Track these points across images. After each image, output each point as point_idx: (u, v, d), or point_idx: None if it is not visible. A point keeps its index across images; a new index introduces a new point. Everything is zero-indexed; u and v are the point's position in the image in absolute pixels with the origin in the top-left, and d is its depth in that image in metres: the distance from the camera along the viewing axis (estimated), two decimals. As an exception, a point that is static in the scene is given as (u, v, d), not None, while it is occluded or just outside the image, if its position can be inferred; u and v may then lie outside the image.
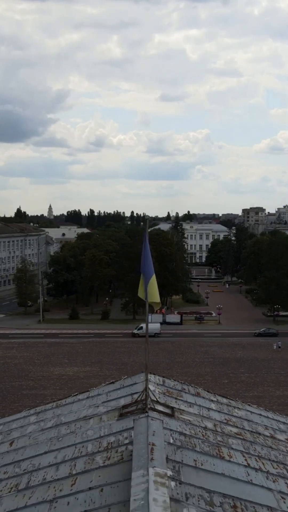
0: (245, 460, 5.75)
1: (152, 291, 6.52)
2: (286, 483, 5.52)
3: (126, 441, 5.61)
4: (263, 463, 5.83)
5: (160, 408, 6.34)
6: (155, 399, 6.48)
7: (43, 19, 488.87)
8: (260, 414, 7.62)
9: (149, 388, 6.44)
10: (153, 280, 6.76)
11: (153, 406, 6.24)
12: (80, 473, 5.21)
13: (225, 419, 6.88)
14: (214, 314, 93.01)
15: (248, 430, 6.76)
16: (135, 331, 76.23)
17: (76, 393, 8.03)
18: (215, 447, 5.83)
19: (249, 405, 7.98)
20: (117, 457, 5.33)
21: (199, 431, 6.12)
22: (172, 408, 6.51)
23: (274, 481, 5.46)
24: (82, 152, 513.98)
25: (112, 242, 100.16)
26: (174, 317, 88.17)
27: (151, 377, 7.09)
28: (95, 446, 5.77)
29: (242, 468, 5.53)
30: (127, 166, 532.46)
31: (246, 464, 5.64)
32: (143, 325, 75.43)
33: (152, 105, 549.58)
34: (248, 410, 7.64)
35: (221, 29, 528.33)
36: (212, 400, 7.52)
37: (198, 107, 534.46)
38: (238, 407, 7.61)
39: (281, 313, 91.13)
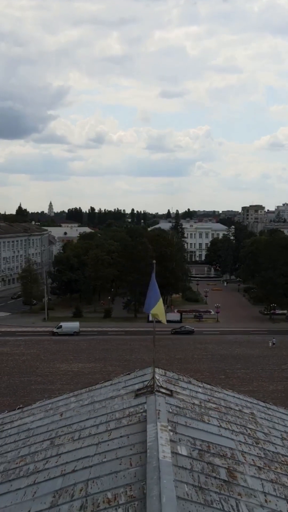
0: (219, 423, 8.84)
1: (160, 311, 9.43)
2: (244, 437, 8.60)
3: (141, 410, 8.68)
4: (230, 425, 8.92)
5: (163, 390, 9.39)
6: (160, 385, 9.53)
7: (43, 15, 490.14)
8: (233, 396, 10.73)
9: (155, 377, 9.51)
10: (160, 303, 9.63)
11: (158, 389, 9.28)
12: (113, 429, 8.28)
13: (208, 398, 9.98)
14: (212, 313, 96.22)
15: (223, 406, 9.86)
16: (55, 330, 79.99)
17: (103, 381, 11.13)
18: (199, 415, 8.92)
19: (226, 390, 11.09)
20: (136, 420, 8.39)
21: (189, 405, 9.20)
22: (171, 391, 9.57)
23: (236, 435, 8.55)
24: (82, 148, 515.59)
25: (114, 242, 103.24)
26: (174, 316, 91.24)
27: (156, 370, 10.11)
28: (120, 414, 8.84)
29: (216, 427, 8.61)
30: (127, 163, 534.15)
31: (219, 425, 8.72)
32: (62, 324, 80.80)
33: (152, 101, 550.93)
34: (225, 393, 10.74)
35: (221, 25, 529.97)
36: (199, 386, 10.62)
37: (198, 104, 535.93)
38: (218, 391, 10.72)
39: (277, 311, 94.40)
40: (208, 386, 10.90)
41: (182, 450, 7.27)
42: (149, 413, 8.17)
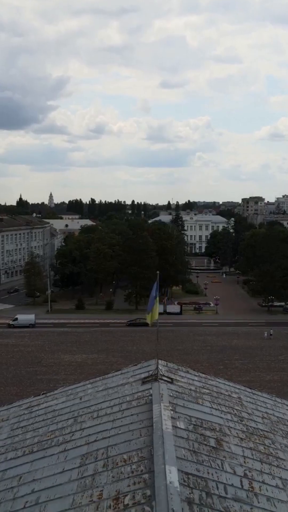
0: (210, 405, 10.82)
1: (155, 312, 11.46)
2: (231, 416, 10.59)
3: (147, 394, 10.65)
4: (220, 407, 10.91)
5: (165, 378, 11.36)
6: (162, 374, 11.49)
7: (42, 5, 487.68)
8: (224, 383, 12.73)
9: (158, 368, 11.49)
10: (156, 303, 11.60)
11: (161, 378, 11.25)
12: (125, 409, 10.26)
13: (202, 385, 11.97)
14: (212, 305, 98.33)
15: (215, 391, 11.86)
16: (11, 322, 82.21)
17: (114, 371, 13.13)
18: (194, 398, 10.91)
19: (218, 378, 13.10)
20: (143, 402, 10.37)
21: (186, 390, 11.19)
22: (172, 379, 11.54)
23: (224, 414, 10.53)
24: (82, 139, 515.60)
25: (115, 236, 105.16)
26: (174, 308, 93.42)
27: (159, 361, 12.07)
28: (130, 397, 10.82)
29: (208, 408, 10.60)
30: (128, 153, 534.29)
31: (211, 406, 10.71)
32: (18, 316, 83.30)
33: (152, 91, 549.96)
34: (217, 381, 12.75)
35: (221, 15, 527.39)
36: (195, 375, 12.62)
37: (199, 94, 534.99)
38: (211, 379, 12.72)
39: (275, 303, 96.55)
40: (203, 375, 12.89)
41: (181, 425, 9.25)
42: (154, 396, 10.15)
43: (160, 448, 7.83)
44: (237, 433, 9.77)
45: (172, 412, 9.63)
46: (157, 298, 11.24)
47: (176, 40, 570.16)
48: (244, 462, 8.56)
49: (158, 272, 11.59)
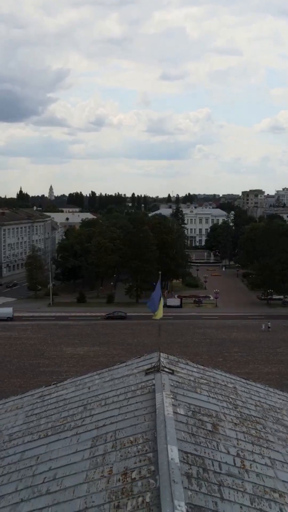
0: (208, 394, 11.87)
1: (160, 311, 12.50)
2: (226, 403, 11.65)
3: (150, 384, 11.69)
4: (216, 395, 11.96)
5: (166, 369, 12.41)
6: (164, 366, 12.53)
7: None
8: (221, 374, 13.79)
9: (160, 360, 12.54)
10: (161, 303, 12.65)
11: (162, 369, 12.29)
12: (130, 398, 11.31)
13: (200, 376, 13.02)
14: (211, 298, 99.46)
15: (212, 382, 12.91)
16: None
17: (119, 363, 14.19)
18: (193, 387, 11.96)
19: (215, 369, 14.16)
20: (147, 391, 11.41)
21: (186, 381, 12.24)
22: (172, 370, 12.58)
23: (220, 402, 11.58)
24: (82, 131, 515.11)
25: (116, 230, 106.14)
26: (174, 301, 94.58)
27: (161, 354, 13.11)
28: (135, 387, 11.87)
29: (205, 396, 11.64)
30: (128, 146, 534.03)
31: (208, 395, 11.76)
32: None
33: (152, 84, 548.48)
34: (214, 372, 13.80)
35: (222, 6, 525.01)
36: (194, 367, 13.67)
37: (199, 86, 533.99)
38: (209, 371, 13.77)
39: (274, 297, 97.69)
40: (201, 367, 13.93)
41: (181, 411, 10.29)
42: (156, 386, 11.20)
43: (162, 431, 8.87)
44: (231, 419, 10.81)
45: (173, 400, 10.66)
46: (161, 298, 12.24)
47: (176, 32, 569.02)
48: (237, 443, 9.61)
49: (160, 272, 12.55)
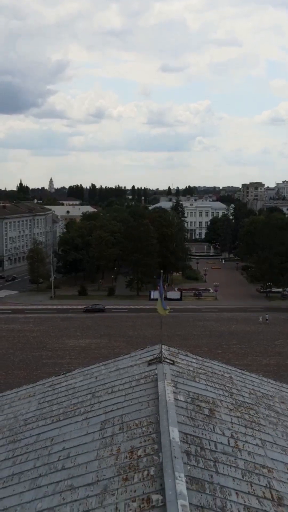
0: (206, 382, 12.94)
1: (160, 306, 13.55)
2: (222, 391, 12.73)
3: (153, 374, 12.77)
4: (214, 384, 13.03)
5: (168, 360, 13.47)
6: (165, 357, 13.59)
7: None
8: (218, 365, 14.87)
9: (162, 351, 13.60)
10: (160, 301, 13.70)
11: (164, 360, 13.35)
12: (135, 386, 12.38)
13: (199, 366, 14.10)
14: (211, 291, 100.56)
15: (210, 372, 13.99)
16: None
17: (123, 354, 15.27)
18: (192, 377, 13.03)
19: (213, 360, 15.24)
20: (150, 380, 12.48)
21: (185, 371, 13.31)
22: (173, 361, 13.65)
23: (217, 390, 12.66)
24: (82, 123, 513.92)
25: (116, 223, 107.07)
26: (174, 294, 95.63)
27: (163, 346, 14.17)
28: (139, 376, 12.94)
29: (203, 385, 12.72)
30: (128, 138, 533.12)
31: (206, 384, 12.83)
32: None
33: (152, 76, 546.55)
34: (212, 363, 14.88)
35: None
36: (193, 358, 14.75)
37: (199, 78, 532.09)
38: (206, 362, 14.84)
39: (273, 289, 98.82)
40: (200, 358, 15.00)
41: (181, 398, 11.36)
42: (159, 375, 12.27)
43: (164, 414, 9.93)
44: (227, 405, 11.88)
45: (174, 388, 11.72)
46: (162, 297, 13.30)
47: (176, 23, 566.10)
48: (232, 426, 10.69)
49: (161, 271, 13.58)
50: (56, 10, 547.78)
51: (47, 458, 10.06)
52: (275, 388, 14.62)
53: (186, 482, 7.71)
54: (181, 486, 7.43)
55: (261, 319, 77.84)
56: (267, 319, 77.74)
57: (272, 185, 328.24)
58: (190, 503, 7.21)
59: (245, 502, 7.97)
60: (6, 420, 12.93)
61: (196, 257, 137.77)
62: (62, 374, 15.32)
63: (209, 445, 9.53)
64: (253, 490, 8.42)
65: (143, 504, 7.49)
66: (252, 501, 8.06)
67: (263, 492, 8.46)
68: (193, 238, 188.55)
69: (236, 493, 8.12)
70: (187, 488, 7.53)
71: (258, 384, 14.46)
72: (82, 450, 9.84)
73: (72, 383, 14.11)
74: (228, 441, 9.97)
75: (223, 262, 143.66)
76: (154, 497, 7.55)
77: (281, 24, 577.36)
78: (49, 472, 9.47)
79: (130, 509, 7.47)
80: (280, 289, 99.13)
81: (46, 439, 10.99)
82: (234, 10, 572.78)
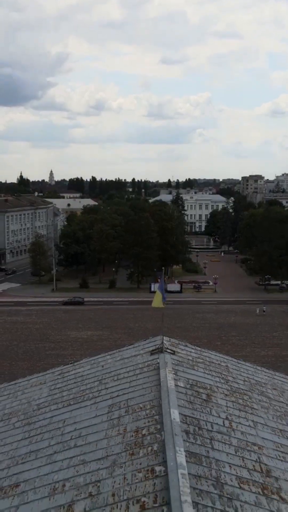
0: (204, 370, 14.06)
1: (158, 299, 14.66)
2: (219, 379, 13.85)
3: (155, 363, 13.88)
4: (211, 372, 14.16)
5: (169, 350, 14.58)
6: (166, 347, 14.70)
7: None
8: (215, 355, 15.99)
9: (163, 342, 14.71)
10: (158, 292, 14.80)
11: (165, 350, 14.45)
12: (139, 373, 13.50)
13: (197, 356, 15.22)
14: (211, 283, 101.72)
15: (207, 361, 15.11)
16: None
17: (127, 345, 16.39)
18: (191, 365, 14.15)
19: (211, 351, 16.37)
20: (152, 368, 13.60)
21: (185, 360, 14.43)
22: (174, 351, 14.76)
23: (214, 378, 13.76)
24: (82, 115, 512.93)
25: (117, 217, 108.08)
26: (174, 286, 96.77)
27: (164, 337, 15.28)
28: (142, 364, 14.06)
29: (201, 373, 13.83)
30: (128, 130, 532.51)
31: (204, 372, 13.95)
32: None
33: (152, 68, 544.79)
34: (210, 353, 16.00)
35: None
36: (192, 348, 15.86)
37: (199, 70, 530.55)
38: (205, 352, 15.97)
39: (272, 282, 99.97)
40: (199, 348, 16.13)
41: (181, 384, 12.48)
42: (160, 364, 13.38)
43: (166, 398, 11.04)
44: (223, 391, 13.00)
45: (174, 375, 12.83)
46: (163, 291, 14.38)
47: (177, 15, 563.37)
48: (227, 410, 11.81)
49: (163, 267, 14.65)
50: (55, 2, 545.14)
51: (60, 437, 11.19)
52: (268, 376, 15.76)
53: (185, 456, 8.82)
54: (181, 458, 8.54)
55: (258, 310, 79.10)
56: (264, 311, 78.97)
57: (272, 178, 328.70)
58: (188, 473, 8.31)
59: (237, 473, 9.09)
60: (20, 405, 14.06)
61: (196, 250, 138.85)
62: (70, 363, 16.44)
63: (206, 425, 10.65)
64: (245, 463, 9.55)
65: (147, 475, 8.60)
66: (243, 472, 9.19)
67: (253, 466, 9.58)
68: (193, 231, 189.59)
69: (229, 465, 9.24)
70: (186, 461, 8.64)
71: (252, 373, 15.58)
72: (92, 430, 10.96)
73: (80, 371, 15.23)
74: (223, 422, 11.09)
75: (223, 255, 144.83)
76: (158, 468, 8.66)
77: (282, 16, 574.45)
78: (63, 450, 10.59)
79: (137, 479, 8.57)
80: (279, 282, 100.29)
81: (59, 421, 12.11)
82: (234, 2, 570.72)
